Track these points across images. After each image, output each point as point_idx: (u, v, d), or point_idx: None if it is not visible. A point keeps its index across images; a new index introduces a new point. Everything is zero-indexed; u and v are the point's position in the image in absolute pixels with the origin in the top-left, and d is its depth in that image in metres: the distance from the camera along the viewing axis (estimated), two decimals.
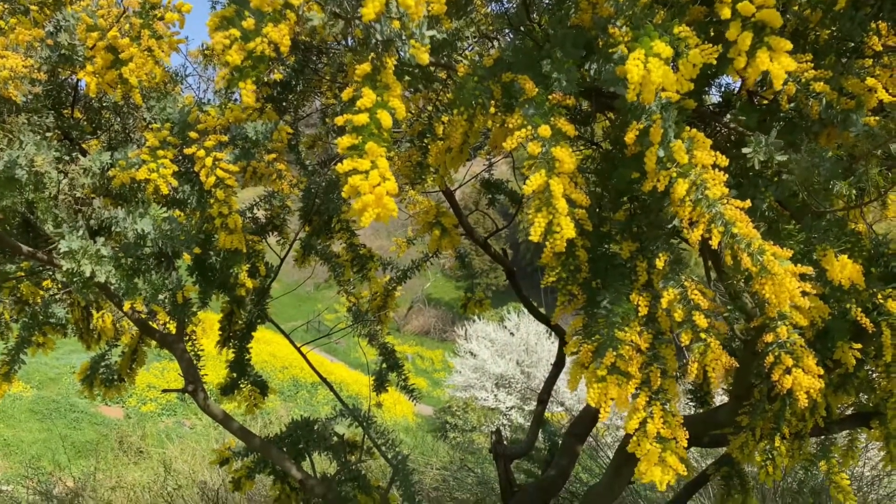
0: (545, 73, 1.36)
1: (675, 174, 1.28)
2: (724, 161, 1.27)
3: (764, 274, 1.20)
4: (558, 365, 4.38)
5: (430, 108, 1.79)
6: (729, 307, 1.76)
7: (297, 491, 3.27)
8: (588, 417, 4.37)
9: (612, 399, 1.43)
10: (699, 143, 1.28)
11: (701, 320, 1.41)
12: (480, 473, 6.32)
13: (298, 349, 3.09)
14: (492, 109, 1.47)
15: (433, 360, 27.58)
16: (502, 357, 21.54)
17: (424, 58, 1.29)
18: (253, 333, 3.41)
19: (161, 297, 2.27)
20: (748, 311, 1.70)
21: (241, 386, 3.47)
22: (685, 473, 1.44)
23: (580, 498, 5.23)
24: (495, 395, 21.20)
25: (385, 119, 1.37)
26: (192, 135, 2.36)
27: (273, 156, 2.67)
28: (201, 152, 2.34)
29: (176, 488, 6.09)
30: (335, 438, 2.99)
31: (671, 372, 1.53)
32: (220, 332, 3.39)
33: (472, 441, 19.91)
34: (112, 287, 2.17)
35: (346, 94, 1.42)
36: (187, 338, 2.93)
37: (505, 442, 4.39)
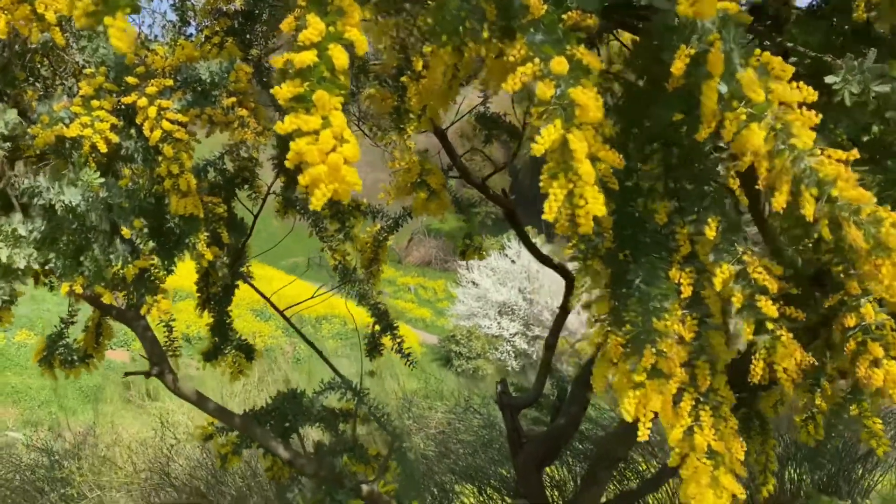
0: None
1: (744, 116, 0.92)
2: (812, 96, 0.91)
3: (880, 251, 0.87)
4: (565, 309, 4.09)
5: (407, 36, 1.41)
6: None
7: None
8: None
9: (655, 412, 1.11)
10: (777, 71, 0.92)
11: (768, 307, 1.09)
12: (486, 414, 6.16)
13: (283, 314, 2.79)
14: (485, 34, 1.10)
15: (436, 290, 27.53)
16: (504, 285, 21.50)
17: None
18: (232, 297, 3.10)
19: (110, 273, 1.95)
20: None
21: (225, 351, 3.19)
22: (743, 496, 1.15)
23: (595, 445, 5.06)
24: (498, 323, 21.27)
25: (339, 57, 1.00)
26: (131, 80, 1.97)
27: (233, 100, 2.28)
28: (143, 101, 1.96)
29: (175, 443, 5.95)
30: (325, 412, 2.72)
31: (722, 366, 1.22)
32: (198, 295, 3.08)
33: (477, 368, 20.07)
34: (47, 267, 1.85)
35: (287, 24, 1.05)
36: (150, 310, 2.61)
37: (512, 392, 4.15)
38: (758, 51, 0.94)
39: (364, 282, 2.91)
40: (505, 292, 21.25)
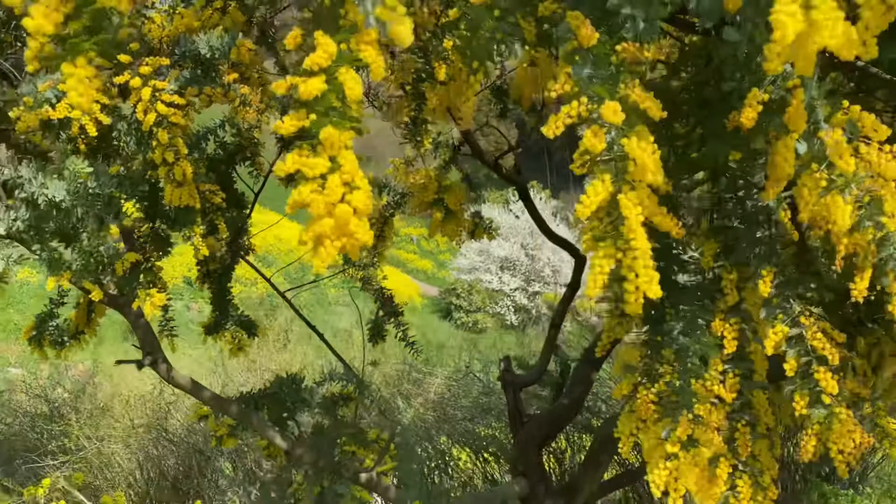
0: (611, 8, 0.82)
1: (825, 183, 0.78)
2: None
3: None
4: (573, 287, 3.98)
5: (425, 33, 1.25)
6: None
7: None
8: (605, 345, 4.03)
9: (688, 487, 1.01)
10: (868, 130, 0.78)
11: (828, 381, 0.97)
12: (486, 380, 6.12)
13: (283, 295, 2.69)
14: (524, 55, 0.95)
15: (438, 241, 27.38)
16: (507, 240, 21.43)
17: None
18: (232, 273, 2.99)
19: (98, 266, 1.83)
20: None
21: (226, 326, 3.10)
22: None
23: (596, 428, 5.02)
24: (500, 278, 21.29)
25: (352, 86, 0.86)
26: (123, 58, 1.81)
27: (234, 76, 2.12)
28: (136, 81, 1.81)
29: (174, 399, 5.93)
30: (324, 397, 2.64)
31: (763, 429, 1.11)
32: (198, 268, 2.97)
33: (476, 321, 20.14)
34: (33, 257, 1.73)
35: (291, 39, 0.90)
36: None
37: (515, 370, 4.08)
38: (845, 102, 0.80)
39: (368, 264, 2.79)
40: (507, 247, 21.19)
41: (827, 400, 0.98)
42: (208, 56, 1.96)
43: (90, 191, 1.61)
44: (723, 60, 0.95)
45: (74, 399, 6.90)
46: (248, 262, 2.80)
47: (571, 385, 3.99)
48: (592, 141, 0.80)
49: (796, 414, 1.01)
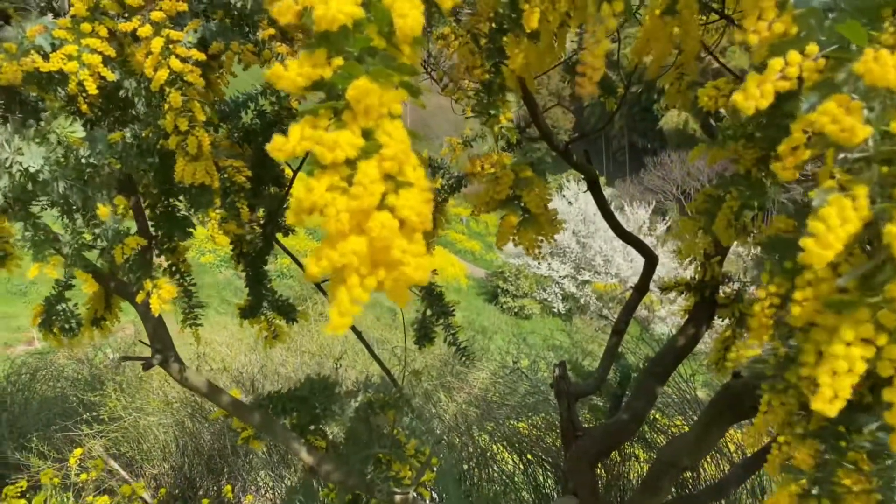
0: None
1: None
2: None
3: None
4: (640, 290, 3.57)
5: None
6: None
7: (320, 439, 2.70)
8: (672, 353, 3.62)
9: None
10: None
11: None
12: (533, 379, 5.76)
13: (320, 288, 2.37)
14: None
15: (487, 223, 27.01)
16: None
17: None
18: (267, 257, 2.69)
19: (97, 247, 1.53)
20: None
21: (263, 311, 2.82)
22: None
23: (658, 448, 4.62)
24: (549, 264, 20.85)
25: (405, 10, 0.51)
26: (132, 0, 1.49)
27: (271, 31, 1.78)
28: (145, 29, 1.48)
29: (209, 376, 5.76)
30: (360, 404, 2.33)
31: None
32: (232, 248, 2.68)
33: (523, 307, 19.73)
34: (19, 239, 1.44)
35: None
36: (173, 269, 2.22)
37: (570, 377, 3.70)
38: None
39: None
40: (559, 233, 20.68)
41: None
42: (239, 5, 1.64)
43: (82, 160, 1.31)
44: None
45: (115, 367, 6.84)
46: (283, 246, 2.50)
47: (632, 398, 3.59)
48: (837, 123, 0.43)
49: None
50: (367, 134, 0.52)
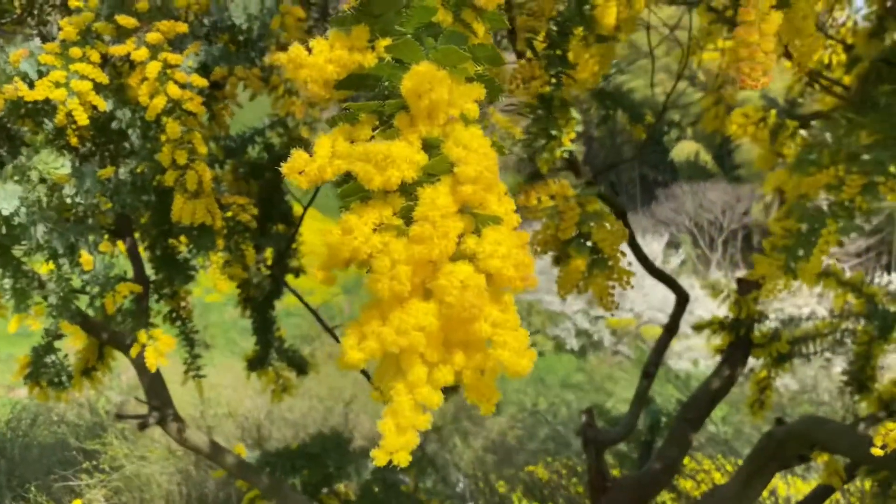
0: None
1: None
2: None
3: None
4: (670, 330, 3.37)
5: None
6: None
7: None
8: (706, 398, 3.40)
9: None
10: None
11: None
12: (553, 421, 5.51)
13: (330, 331, 2.19)
14: None
15: None
16: None
17: None
18: (274, 302, 2.53)
19: (87, 293, 1.36)
20: None
21: (270, 362, 2.65)
22: None
23: (694, 501, 4.37)
24: (561, 299, 20.60)
25: None
26: (126, 21, 1.34)
27: (280, 56, 1.64)
28: (141, 52, 1.34)
29: (214, 424, 5.54)
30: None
31: None
32: (239, 293, 2.51)
33: (535, 343, 19.44)
34: None
35: None
36: (174, 315, 2.04)
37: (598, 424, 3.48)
38: None
39: None
40: None
41: None
42: (245, 27, 1.49)
43: (67, 199, 1.14)
44: None
45: (115, 418, 6.63)
46: (291, 289, 2.32)
47: (665, 446, 3.37)
48: None
49: None
50: (429, 147, 0.35)
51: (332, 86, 0.38)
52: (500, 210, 0.35)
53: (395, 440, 0.30)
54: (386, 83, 0.36)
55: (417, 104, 0.34)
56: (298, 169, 0.34)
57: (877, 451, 1.20)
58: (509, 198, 0.36)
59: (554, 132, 0.86)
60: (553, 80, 0.82)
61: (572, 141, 0.93)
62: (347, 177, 0.36)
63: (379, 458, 0.32)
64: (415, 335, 0.30)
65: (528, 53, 0.83)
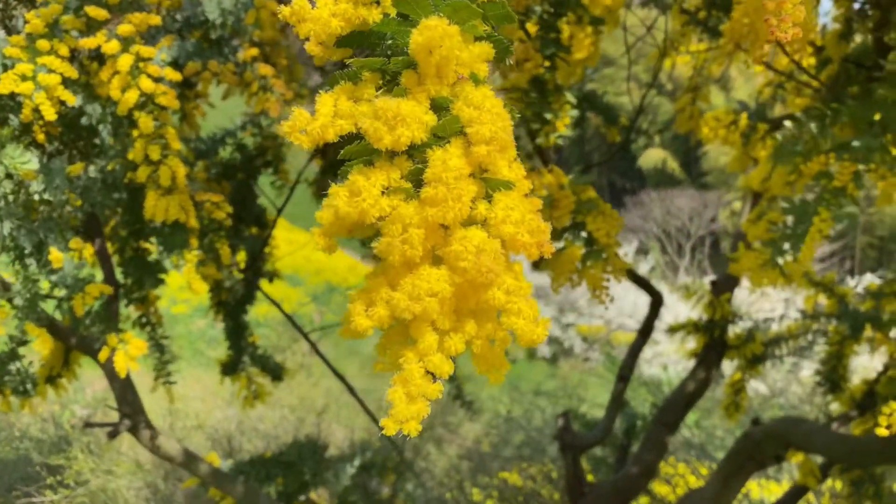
0: None
1: None
2: None
3: None
4: (644, 333, 3.38)
5: None
6: None
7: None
8: (681, 402, 3.42)
9: None
10: None
11: None
12: (527, 426, 5.51)
13: (307, 337, 2.15)
14: None
15: None
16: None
17: None
18: (247, 306, 2.47)
19: (55, 297, 1.31)
20: None
21: (243, 367, 2.59)
22: None
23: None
24: None
25: None
26: (95, 12, 1.30)
27: (253, 52, 1.61)
28: (112, 45, 1.30)
29: (183, 436, 5.42)
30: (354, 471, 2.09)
31: None
32: (211, 297, 2.46)
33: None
34: None
35: None
36: (144, 320, 1.99)
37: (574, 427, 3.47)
38: None
39: None
40: (541, 274, 20.63)
41: None
42: (218, 22, 1.46)
43: (34, 196, 1.10)
44: None
45: (83, 426, 6.45)
46: (265, 294, 2.28)
47: (641, 450, 3.38)
48: None
49: None
50: (437, 108, 0.33)
51: (330, 49, 0.36)
52: (511, 175, 0.33)
53: (405, 409, 0.28)
54: (390, 41, 0.34)
55: (427, 61, 0.32)
56: (300, 128, 0.31)
57: (881, 431, 1.22)
58: (519, 163, 0.35)
59: (549, 116, 0.85)
60: (547, 63, 0.80)
61: (566, 126, 0.92)
62: (348, 139, 0.34)
63: (388, 427, 0.30)
64: (429, 301, 0.28)
65: (521, 35, 0.81)
